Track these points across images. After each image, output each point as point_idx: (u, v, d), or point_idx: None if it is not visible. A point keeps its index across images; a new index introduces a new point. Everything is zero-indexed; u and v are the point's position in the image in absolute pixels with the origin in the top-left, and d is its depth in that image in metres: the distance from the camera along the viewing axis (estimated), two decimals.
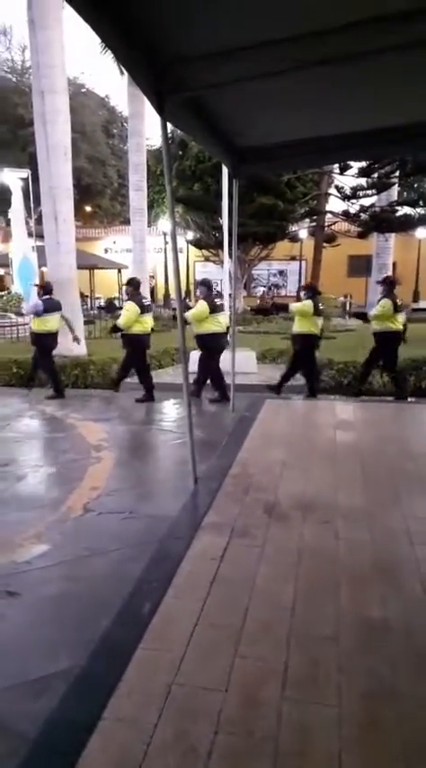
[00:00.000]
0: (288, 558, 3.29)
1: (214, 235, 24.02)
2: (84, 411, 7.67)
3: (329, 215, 22.71)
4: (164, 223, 25.18)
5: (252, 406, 7.27)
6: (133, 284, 8.58)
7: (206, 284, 8.17)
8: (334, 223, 23.65)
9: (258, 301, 29.01)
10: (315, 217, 23.09)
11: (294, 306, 8.19)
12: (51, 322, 8.51)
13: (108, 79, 57.55)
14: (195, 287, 22.16)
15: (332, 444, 5.66)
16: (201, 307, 7.81)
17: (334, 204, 23.92)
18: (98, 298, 28.60)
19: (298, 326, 8.03)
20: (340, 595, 2.91)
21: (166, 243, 25.78)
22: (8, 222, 25.82)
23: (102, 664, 2.44)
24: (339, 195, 21.71)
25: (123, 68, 19.25)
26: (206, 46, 3.62)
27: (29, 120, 24.35)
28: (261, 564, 3.21)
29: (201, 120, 4.99)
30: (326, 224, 23.05)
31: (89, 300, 26.40)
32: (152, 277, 27.74)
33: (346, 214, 22.03)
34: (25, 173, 17.93)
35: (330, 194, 22.89)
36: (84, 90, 39.79)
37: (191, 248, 27.57)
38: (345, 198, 21.48)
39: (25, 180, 17.83)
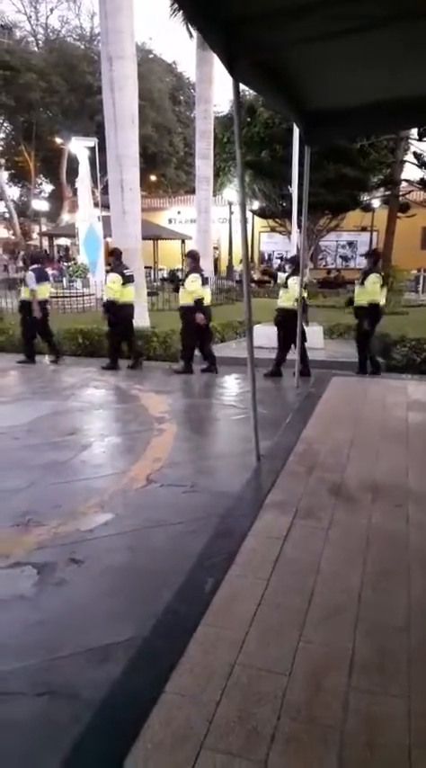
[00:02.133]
0: (356, 541, 3.18)
1: (281, 204, 23.48)
2: (147, 383, 7.70)
3: (404, 183, 21.72)
4: (230, 192, 24.79)
5: (318, 383, 7.10)
6: (115, 254, 8.79)
7: (192, 256, 8.25)
8: (409, 192, 22.62)
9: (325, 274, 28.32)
10: (389, 185, 22.14)
11: (292, 282, 7.74)
12: (41, 291, 8.72)
13: (176, 44, 56.63)
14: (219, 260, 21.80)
15: (403, 425, 5.44)
16: (198, 280, 7.75)
17: (410, 172, 22.85)
18: (161, 269, 28.68)
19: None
20: (410, 583, 2.78)
21: (232, 213, 25.40)
22: (75, 192, 26.14)
23: (164, 638, 2.44)
24: (416, 162, 20.68)
25: (193, 28, 18.85)
26: (278, 3, 3.41)
27: (97, 88, 24.35)
28: (326, 546, 3.12)
29: (272, 82, 4.77)
30: (401, 193, 22.08)
31: (152, 272, 26.50)
32: (215, 248, 27.50)
33: (423, 183, 21.00)
34: (92, 141, 17.96)
35: (406, 161, 21.84)
36: (151, 56, 39.37)
37: (257, 218, 27.09)
38: (422, 165, 20.44)
39: (92, 149, 17.88)
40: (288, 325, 7.59)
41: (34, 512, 3.80)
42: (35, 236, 41.81)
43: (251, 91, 23.16)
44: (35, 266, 8.89)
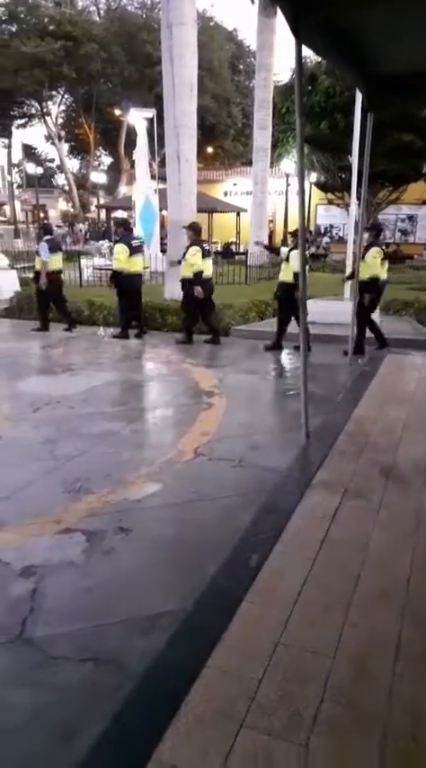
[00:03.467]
0: (406, 524, 3.08)
1: (340, 176, 22.74)
2: (198, 356, 7.69)
3: None
4: (288, 164, 24.19)
5: (372, 361, 6.91)
6: (123, 224, 9.03)
7: (193, 228, 8.38)
8: None
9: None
10: None
11: (290, 255, 7.64)
12: (53, 261, 8.83)
13: (237, 11, 55.20)
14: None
15: None
16: (199, 252, 7.87)
17: None
18: (215, 242, 28.44)
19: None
20: None
21: (289, 185, 24.81)
22: (133, 164, 26.13)
23: (207, 612, 2.44)
24: None
25: None
26: None
27: (156, 59, 24.11)
28: (375, 528, 3.04)
29: (338, 43, 4.53)
30: None
31: (207, 245, 26.31)
32: (271, 221, 27.02)
33: None
34: (151, 112, 17.81)
35: None
36: (212, 23, 38.55)
37: (314, 191, 26.39)
38: None
39: (150, 120, 17.75)
40: (288, 299, 7.52)
41: (85, 479, 3.87)
42: (93, 208, 42.22)
43: (312, 58, 22.36)
44: (48, 237, 9.07)
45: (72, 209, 41.61)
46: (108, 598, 2.70)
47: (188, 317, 8.37)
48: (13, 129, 41.31)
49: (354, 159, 9.50)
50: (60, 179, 48.70)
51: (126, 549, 3.10)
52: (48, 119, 39.62)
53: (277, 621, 2.34)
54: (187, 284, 8.06)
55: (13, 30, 34.51)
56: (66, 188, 43.23)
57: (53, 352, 8.03)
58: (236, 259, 17.92)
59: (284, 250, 7.83)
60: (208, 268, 8.12)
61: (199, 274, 7.89)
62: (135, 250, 8.39)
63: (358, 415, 4.87)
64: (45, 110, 39.06)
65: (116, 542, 3.14)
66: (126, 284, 8.40)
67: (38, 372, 6.87)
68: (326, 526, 3.03)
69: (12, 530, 3.24)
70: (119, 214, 37.30)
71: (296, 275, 7.35)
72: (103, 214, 38.24)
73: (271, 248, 9.06)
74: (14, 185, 46.18)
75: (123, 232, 8.74)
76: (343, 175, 21.97)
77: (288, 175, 24.46)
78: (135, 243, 8.49)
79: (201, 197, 16.50)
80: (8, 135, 41.59)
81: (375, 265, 7.21)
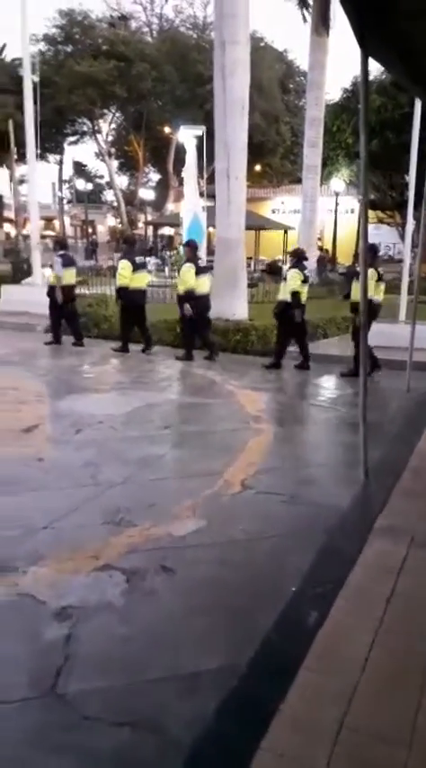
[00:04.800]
0: None
1: (390, 195, 22.35)
2: (244, 378, 7.44)
3: None
4: (337, 182, 23.94)
5: None
6: (128, 241, 9.41)
7: (189, 245, 8.73)
8: None
9: None
10: None
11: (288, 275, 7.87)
12: (67, 275, 8.99)
13: (288, 31, 55.57)
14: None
15: None
16: (190, 269, 8.05)
17: None
18: (262, 260, 28.28)
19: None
20: None
21: (337, 204, 24.52)
22: (181, 181, 26.30)
23: (261, 678, 2.17)
24: None
25: (308, 12, 18.16)
26: None
27: (207, 77, 24.25)
28: None
29: (404, 57, 4.29)
30: None
31: (253, 263, 26.18)
32: (319, 239, 26.72)
33: None
34: (200, 130, 17.82)
35: None
36: (263, 44, 38.79)
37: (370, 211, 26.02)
38: None
39: (200, 138, 17.77)
40: (286, 317, 7.66)
41: (127, 510, 3.66)
42: (140, 224, 42.76)
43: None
44: (62, 252, 9.25)
45: (120, 225, 42.23)
46: (147, 649, 2.46)
47: (185, 334, 8.49)
48: (65, 145, 42.34)
49: (411, 177, 9.17)
50: (109, 195, 49.59)
51: (167, 591, 2.86)
52: (98, 136, 40.49)
53: (341, 695, 2.05)
54: (181, 301, 8.25)
55: (69, 50, 35.47)
56: (115, 204, 43.95)
57: (95, 369, 7.91)
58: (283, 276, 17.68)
59: (285, 269, 8.04)
60: (201, 285, 8.19)
61: (190, 292, 8.01)
62: (138, 267, 8.55)
63: (422, 449, 4.52)
64: (96, 127, 39.93)
65: (157, 584, 2.91)
66: (129, 300, 8.50)
67: (81, 391, 6.74)
68: (393, 579, 2.72)
69: (49, 564, 3.04)
70: (167, 231, 37.71)
71: (293, 294, 7.58)
72: (150, 230, 38.66)
73: (272, 271, 8.97)
74: (64, 201, 47.26)
75: (127, 248, 9.03)
76: (394, 194, 21.60)
77: (337, 194, 24.16)
78: (138, 260, 8.69)
79: (249, 215, 16.36)
80: (60, 152, 42.63)
81: (369, 287, 6.99)
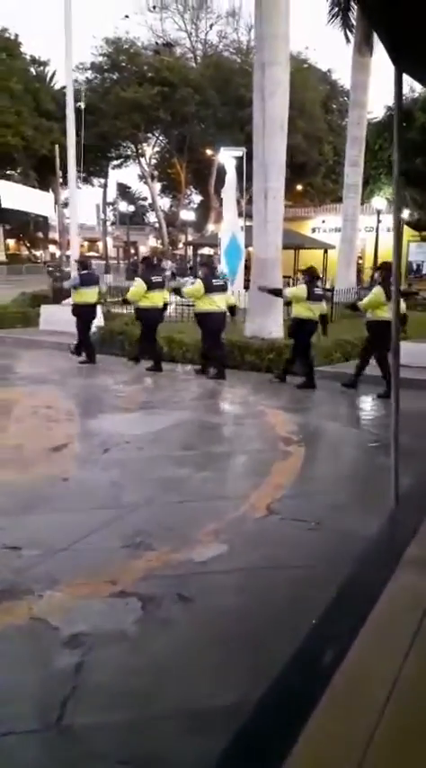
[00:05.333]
0: None
1: None
2: (275, 398, 7.32)
3: None
4: (379, 201, 23.69)
5: None
6: (145, 263, 9.75)
7: (205, 264, 9.20)
8: None
9: None
10: None
11: (287, 290, 8.47)
12: (88, 295, 9.25)
13: (332, 52, 55.86)
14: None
15: None
16: (198, 285, 8.22)
17: None
18: (299, 279, 28.15)
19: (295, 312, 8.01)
20: None
21: (379, 222, 24.24)
22: (222, 202, 26.54)
23: (270, 721, 2.04)
24: None
25: (351, 32, 18.22)
26: None
27: (249, 100, 24.55)
28: None
29: None
30: None
31: (291, 281, 26.08)
32: (360, 257, 26.43)
33: None
34: (240, 151, 18.00)
35: None
36: (306, 65, 39.10)
37: (406, 228, 25.64)
38: None
39: (240, 159, 17.92)
40: (299, 334, 7.90)
41: (146, 533, 3.59)
42: (181, 245, 43.33)
43: (407, 95, 21.97)
44: (84, 272, 9.51)
45: (161, 246, 42.89)
46: (159, 682, 2.37)
47: (149, 343, 8.81)
48: (109, 169, 43.44)
49: None
50: (151, 217, 50.48)
51: (183, 621, 2.76)
52: (142, 159, 41.42)
53: (357, 744, 1.90)
54: (142, 315, 8.70)
55: (114, 77, 36.54)
56: (157, 225, 44.69)
57: (128, 389, 7.92)
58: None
59: (289, 290, 8.32)
60: (215, 302, 8.29)
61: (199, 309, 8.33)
62: (154, 286, 8.69)
63: None
64: (140, 151, 40.86)
65: (174, 612, 2.82)
66: (144, 317, 8.73)
67: (111, 410, 6.74)
68: (419, 617, 2.55)
69: (64, 589, 2.99)
70: (206, 251, 38.00)
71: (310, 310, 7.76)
72: (190, 251, 39.09)
73: (274, 291, 8.83)
74: (108, 222, 48.37)
75: (144, 268, 9.31)
76: None
77: (379, 212, 23.91)
78: (155, 279, 8.86)
79: (288, 233, 16.33)
80: (104, 175, 43.75)
81: (370, 303, 7.35)
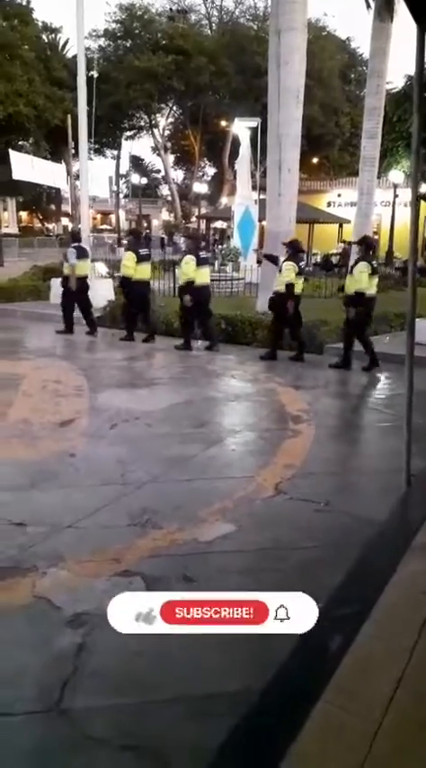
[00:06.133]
0: None
1: None
2: (287, 375, 7.22)
3: None
4: (396, 174, 23.16)
5: None
6: (134, 234, 10.02)
7: (190, 236, 9.41)
8: None
9: None
10: None
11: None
12: (81, 267, 9.34)
13: (351, 20, 54.19)
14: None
15: None
16: (190, 261, 8.18)
17: None
18: (315, 254, 27.74)
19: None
20: None
21: (396, 196, 23.74)
22: (236, 175, 26.09)
23: (273, 710, 2.00)
24: None
25: None
26: None
27: (265, 69, 23.95)
28: None
29: None
30: None
31: (306, 256, 25.68)
32: (375, 232, 25.95)
33: None
34: (255, 122, 17.61)
35: None
36: (324, 33, 37.95)
37: (423, 203, 25.08)
38: None
39: (254, 130, 17.54)
40: (280, 309, 7.86)
41: (153, 511, 3.55)
42: (194, 218, 42.82)
43: None
44: (76, 244, 9.60)
45: (173, 220, 42.41)
46: (159, 665, 2.33)
47: (185, 324, 8.62)
48: (123, 140, 42.80)
49: None
50: (164, 189, 49.83)
51: None
52: (155, 130, 40.74)
53: (361, 737, 1.85)
54: (182, 292, 8.45)
55: (128, 45, 35.75)
56: (170, 198, 44.15)
57: (136, 364, 7.85)
58: (337, 272, 17.22)
59: (281, 260, 8.11)
60: (202, 275, 8.35)
61: (190, 283, 8.14)
62: (142, 258, 8.79)
63: None
64: (153, 122, 40.17)
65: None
66: (134, 290, 8.79)
67: (119, 385, 6.69)
68: None
69: (69, 566, 2.95)
70: (219, 224, 37.57)
71: (288, 285, 7.67)
72: (204, 224, 38.62)
73: (271, 257, 8.71)
74: (121, 195, 47.85)
75: (133, 240, 9.45)
76: None
77: (396, 186, 23.40)
78: (143, 251, 8.96)
79: (303, 207, 16.01)
80: (117, 147, 43.14)
81: (362, 280, 7.22)
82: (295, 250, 8.18)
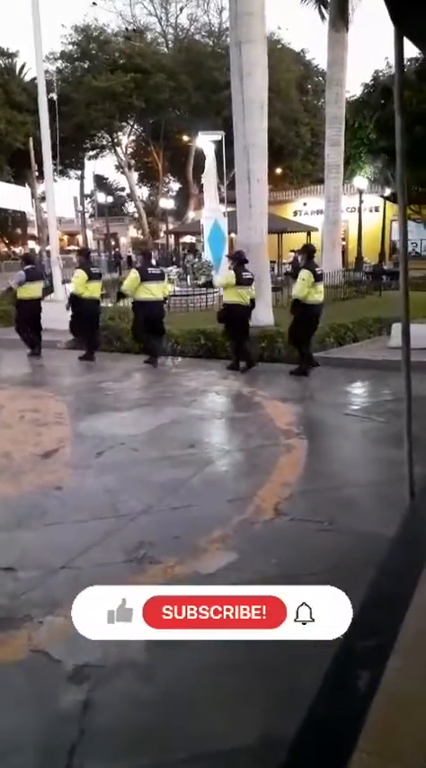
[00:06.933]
0: None
1: (416, 189, 21.74)
2: (271, 388, 7.09)
3: None
4: (360, 180, 23.43)
5: None
6: (83, 254, 10.05)
7: (142, 253, 9.48)
8: None
9: None
10: None
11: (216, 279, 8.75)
12: (33, 290, 9.35)
13: (306, 31, 55.16)
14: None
15: None
16: (133, 275, 8.29)
17: None
18: (284, 263, 27.86)
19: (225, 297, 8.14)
20: None
21: (362, 202, 23.99)
22: (201, 189, 26.12)
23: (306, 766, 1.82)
24: None
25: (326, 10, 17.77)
26: None
27: (223, 83, 24.12)
28: None
29: None
30: None
31: (276, 266, 25.79)
32: (343, 239, 26.21)
33: None
34: (219, 135, 17.62)
35: None
36: (280, 46, 38.44)
37: (389, 206, 25.43)
38: None
39: (218, 143, 17.55)
40: (230, 320, 8.03)
41: (150, 543, 3.36)
42: (162, 234, 42.78)
43: (387, 71, 21.63)
44: (28, 267, 9.58)
45: (141, 236, 42.30)
46: (175, 716, 2.16)
47: (138, 338, 8.71)
48: (85, 160, 42.61)
49: None
50: (130, 207, 49.71)
51: (197, 644, 2.52)
52: (118, 149, 40.67)
53: None
54: (82, 306, 8.77)
55: (86, 66, 35.71)
56: (136, 215, 44.04)
57: (117, 385, 7.62)
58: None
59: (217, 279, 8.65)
60: (95, 289, 8.78)
61: (77, 296, 8.67)
62: (93, 277, 8.90)
63: None
64: (115, 140, 40.09)
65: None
66: (83, 308, 8.81)
67: (100, 409, 6.45)
68: None
69: (66, 612, 2.73)
70: (188, 239, 37.58)
71: (295, 301, 7.57)
72: (172, 240, 38.62)
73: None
74: (87, 215, 47.58)
75: (83, 260, 9.48)
76: (419, 188, 20.99)
77: (361, 191, 23.67)
78: (94, 270, 9.12)
79: (271, 218, 15.96)
80: (81, 167, 42.93)
81: (301, 288, 7.33)
82: (239, 261, 8.16)
